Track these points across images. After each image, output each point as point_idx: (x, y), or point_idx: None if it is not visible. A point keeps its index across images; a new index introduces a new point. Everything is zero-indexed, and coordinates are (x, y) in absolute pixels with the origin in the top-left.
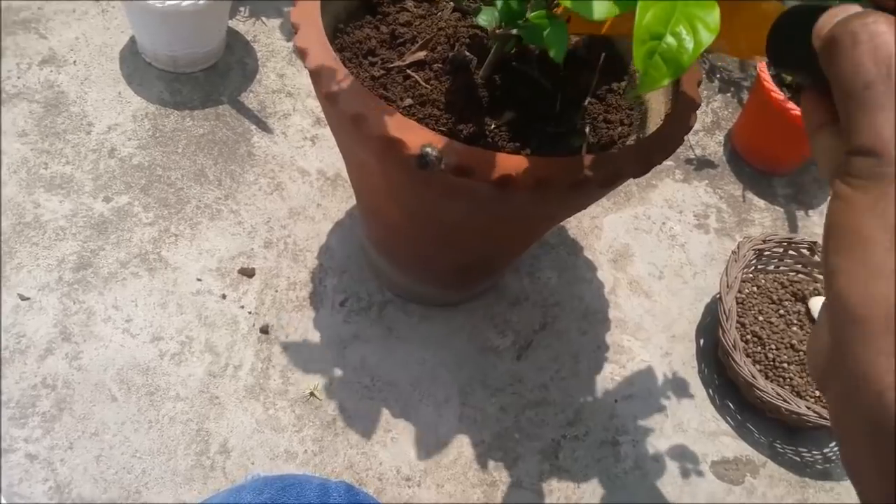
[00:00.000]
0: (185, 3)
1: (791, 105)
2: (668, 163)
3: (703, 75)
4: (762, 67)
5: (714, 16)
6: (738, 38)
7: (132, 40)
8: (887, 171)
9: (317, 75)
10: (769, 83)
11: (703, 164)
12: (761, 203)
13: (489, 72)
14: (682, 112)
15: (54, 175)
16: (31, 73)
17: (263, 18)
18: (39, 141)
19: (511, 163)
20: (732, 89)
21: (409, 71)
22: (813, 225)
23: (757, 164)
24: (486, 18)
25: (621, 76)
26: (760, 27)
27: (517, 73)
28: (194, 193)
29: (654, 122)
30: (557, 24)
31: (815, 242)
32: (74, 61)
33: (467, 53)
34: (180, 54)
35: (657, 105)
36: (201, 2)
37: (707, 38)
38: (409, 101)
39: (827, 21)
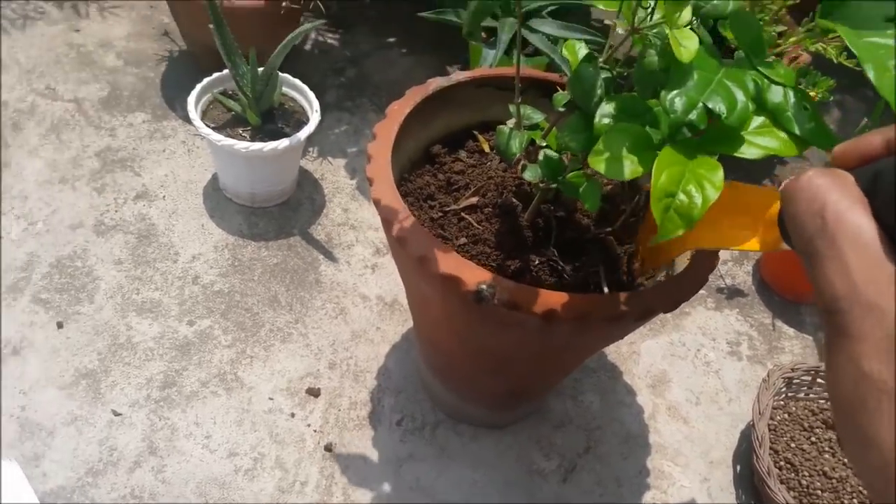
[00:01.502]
0: (266, 149)
1: None
2: (700, 292)
3: None
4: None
5: (719, 176)
6: (766, 234)
7: (214, 177)
8: (848, 325)
9: (388, 222)
10: None
11: (733, 294)
12: (791, 331)
13: (533, 216)
14: (707, 253)
15: (145, 300)
16: (126, 207)
17: (329, 158)
18: (133, 269)
19: (556, 299)
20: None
21: (463, 213)
22: None
23: (785, 294)
24: (531, 174)
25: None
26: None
27: (558, 217)
28: (268, 318)
29: (682, 257)
30: (592, 181)
31: None
32: (164, 196)
33: (514, 200)
34: (259, 192)
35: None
36: (280, 147)
37: (713, 194)
38: (463, 240)
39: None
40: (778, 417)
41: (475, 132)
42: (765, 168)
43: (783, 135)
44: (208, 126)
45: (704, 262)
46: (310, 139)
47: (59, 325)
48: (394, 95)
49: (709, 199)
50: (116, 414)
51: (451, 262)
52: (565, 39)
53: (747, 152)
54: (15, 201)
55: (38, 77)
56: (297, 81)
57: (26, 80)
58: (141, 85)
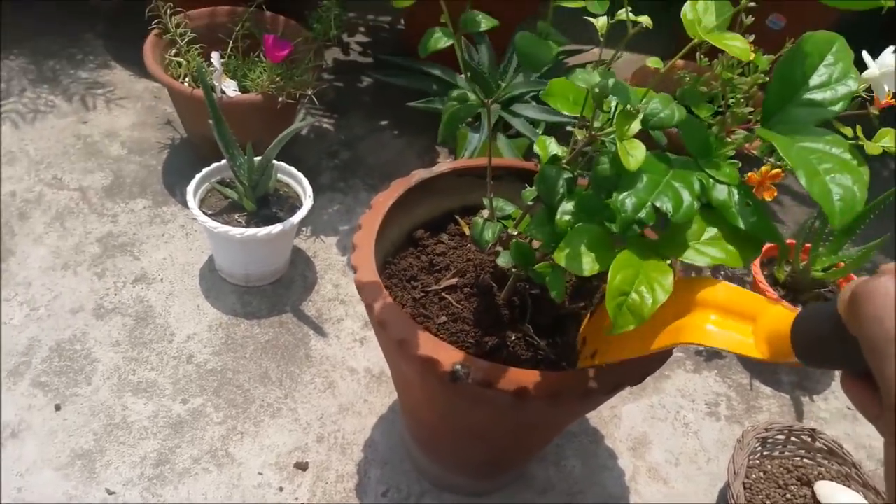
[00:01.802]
0: (260, 234)
1: (786, 304)
2: (679, 354)
3: (708, 273)
4: (756, 269)
5: (669, 279)
6: (772, 345)
7: (210, 259)
8: None
9: (370, 307)
10: (763, 283)
11: (711, 356)
12: (768, 390)
13: (509, 294)
14: None
15: (141, 380)
16: (125, 291)
17: (322, 237)
18: (130, 350)
19: (527, 377)
20: (737, 283)
21: (443, 293)
22: (818, 410)
23: None
24: (503, 260)
25: None
26: (781, 333)
27: (533, 294)
28: (259, 394)
29: None
30: (557, 271)
31: (814, 430)
32: (162, 279)
33: (490, 280)
34: (253, 272)
35: None
36: (274, 232)
37: (662, 296)
38: (443, 319)
39: (848, 287)
40: (753, 476)
41: (456, 216)
42: None
43: (731, 248)
44: (206, 213)
45: None
46: (304, 219)
47: (57, 408)
48: (385, 175)
49: (658, 300)
50: (110, 493)
51: (428, 345)
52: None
53: (696, 259)
54: (19, 288)
55: (45, 167)
56: (292, 168)
57: (35, 170)
58: (143, 172)
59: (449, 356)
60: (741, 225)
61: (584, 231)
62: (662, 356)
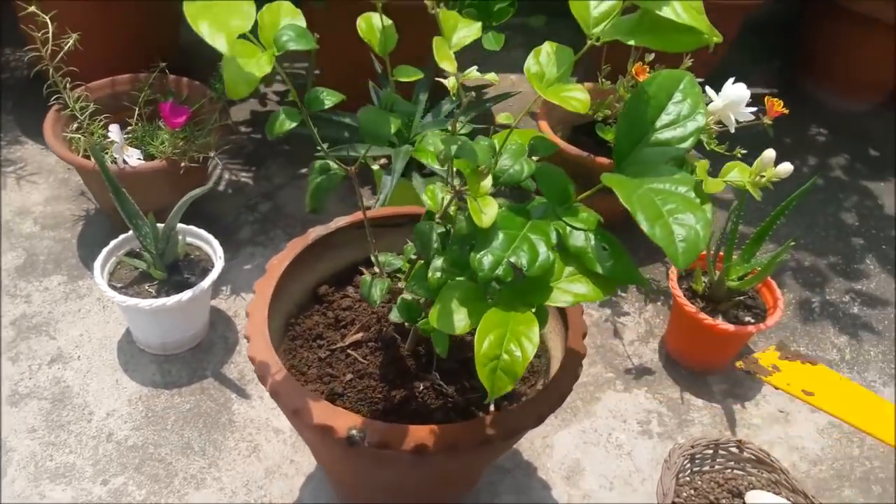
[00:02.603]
0: (170, 303)
1: (703, 316)
2: (608, 374)
3: (631, 287)
4: (673, 284)
5: (535, 331)
6: None
7: (128, 331)
8: None
9: (263, 379)
10: (681, 298)
11: (641, 373)
12: (699, 402)
13: (413, 345)
14: (569, 367)
15: (59, 465)
16: (41, 373)
17: (243, 294)
18: (47, 434)
19: (423, 433)
20: (662, 297)
21: (349, 350)
22: (750, 417)
23: (690, 367)
24: (394, 316)
25: None
26: None
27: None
28: (181, 466)
29: (555, 366)
30: (440, 333)
31: (741, 441)
32: (79, 356)
33: (394, 333)
34: (170, 341)
35: (556, 352)
36: (185, 298)
37: (531, 350)
38: (350, 376)
39: None
40: (684, 494)
41: (361, 268)
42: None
43: (591, 281)
44: (116, 286)
45: (566, 377)
46: (223, 278)
47: None
48: (306, 223)
49: (528, 355)
50: None
51: (322, 412)
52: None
53: (559, 299)
54: None
55: None
56: (201, 231)
57: None
58: (57, 247)
59: (344, 422)
60: (599, 270)
61: (456, 287)
62: (561, 395)
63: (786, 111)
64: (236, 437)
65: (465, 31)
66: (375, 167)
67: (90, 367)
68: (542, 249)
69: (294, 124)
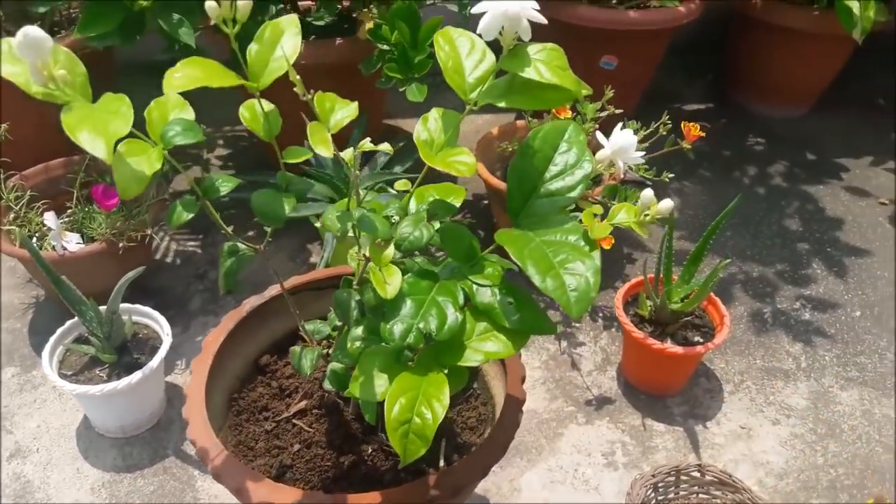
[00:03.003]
0: (121, 386)
1: (651, 341)
2: (569, 408)
3: (585, 316)
4: (620, 312)
5: (445, 392)
6: None
7: (86, 417)
8: None
9: (204, 460)
10: (628, 325)
11: (601, 402)
12: (661, 426)
13: (356, 409)
14: (508, 415)
15: None
16: (1, 470)
17: None
18: None
19: (366, 500)
20: (616, 324)
21: (294, 420)
22: (713, 436)
23: (649, 391)
24: (326, 385)
25: (472, 381)
26: None
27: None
28: None
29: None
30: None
31: (700, 464)
32: (37, 449)
33: (336, 398)
34: (127, 423)
35: (500, 399)
36: (135, 380)
37: (441, 411)
38: (298, 446)
39: None
40: None
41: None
42: (616, 269)
43: (503, 337)
44: (66, 374)
45: (509, 423)
46: (176, 352)
47: None
48: (257, 287)
49: (438, 417)
50: None
51: (261, 491)
52: None
53: (471, 359)
54: None
55: None
56: (147, 308)
57: None
58: (9, 338)
59: (287, 497)
60: (506, 324)
61: (375, 354)
62: (503, 444)
63: (702, 134)
64: None
65: (342, 112)
66: (318, 224)
67: (50, 459)
68: (451, 311)
69: (191, 215)
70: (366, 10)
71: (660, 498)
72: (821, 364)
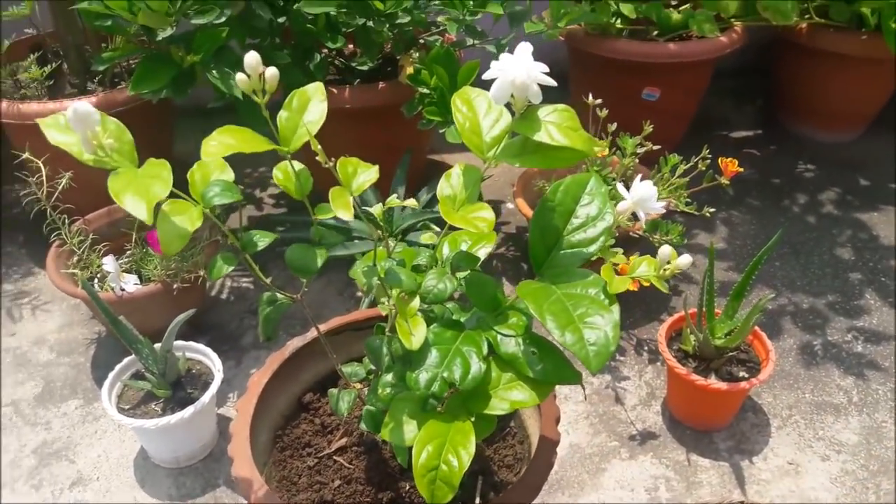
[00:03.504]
0: (174, 420)
1: (695, 377)
2: (612, 443)
3: (630, 350)
4: (663, 347)
5: (471, 441)
6: None
7: (143, 447)
8: None
9: (247, 496)
10: (672, 361)
11: (645, 437)
12: (706, 462)
13: None
14: (542, 457)
15: None
16: (63, 497)
17: None
18: None
19: None
20: (661, 358)
21: (335, 456)
22: (759, 472)
23: (694, 426)
24: (363, 425)
25: (509, 420)
26: None
27: None
28: None
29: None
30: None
31: (744, 501)
32: (98, 477)
33: (375, 437)
34: (180, 454)
35: (535, 437)
36: (187, 414)
37: (467, 459)
38: (338, 482)
39: None
40: None
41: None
42: (662, 303)
43: (528, 387)
44: (124, 408)
45: (542, 464)
46: (229, 385)
47: None
48: (309, 324)
49: (464, 465)
50: None
51: None
52: None
53: (497, 407)
54: None
55: None
56: (201, 346)
57: None
58: (73, 372)
59: None
60: (530, 374)
61: (404, 401)
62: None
63: (740, 169)
64: None
65: (364, 175)
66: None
67: (109, 487)
68: (475, 361)
69: (231, 268)
70: (406, 54)
71: None
72: (874, 398)
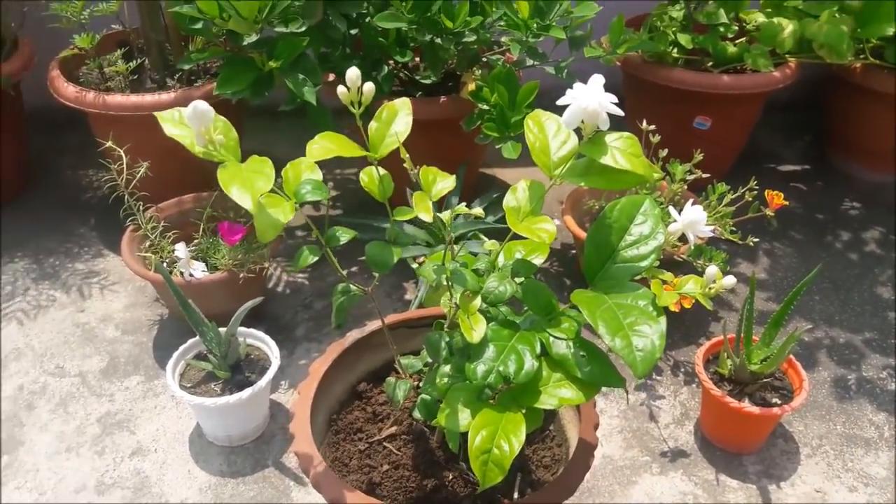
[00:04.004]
0: (232, 400)
1: (729, 399)
2: (644, 458)
3: (666, 370)
4: (699, 369)
5: (522, 430)
6: None
7: (198, 425)
8: None
9: (306, 472)
10: (708, 383)
11: (676, 455)
12: (734, 483)
13: (440, 438)
14: (580, 459)
15: None
16: (123, 465)
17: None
18: None
19: None
20: (696, 381)
21: (385, 443)
22: (786, 497)
23: (725, 448)
24: (416, 414)
25: (549, 423)
26: None
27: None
28: None
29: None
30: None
31: None
32: (155, 449)
33: (424, 427)
34: (234, 433)
35: (573, 441)
36: (245, 395)
37: (517, 446)
38: (386, 467)
39: None
40: None
41: (394, 369)
42: (700, 327)
43: (575, 386)
44: (185, 386)
45: (579, 465)
46: (282, 373)
47: None
48: (357, 319)
49: (514, 450)
50: None
51: (357, 501)
52: None
53: (546, 402)
54: (28, 475)
55: (48, 358)
56: (260, 333)
57: (39, 363)
58: (136, 350)
59: None
60: (579, 375)
61: (460, 390)
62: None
63: (786, 203)
64: None
65: (442, 183)
66: (415, 266)
67: (165, 459)
68: (528, 359)
69: (315, 258)
70: (469, 71)
71: None
72: None
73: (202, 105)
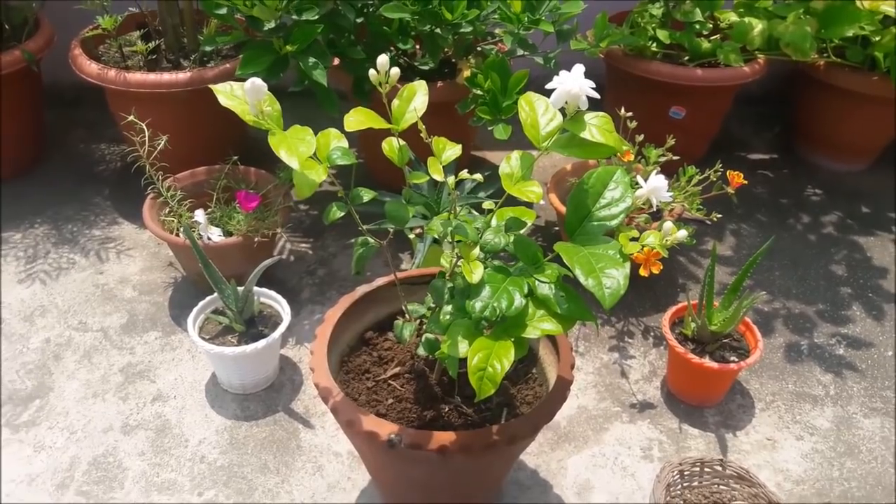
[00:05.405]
0: (248, 350)
1: (692, 356)
2: (615, 409)
3: (637, 334)
4: (666, 329)
5: (511, 353)
6: None
7: (213, 375)
8: None
9: (325, 399)
10: (673, 341)
11: (644, 407)
12: (695, 431)
13: (439, 375)
14: (558, 390)
15: (164, 481)
16: (145, 409)
17: (306, 344)
18: (153, 457)
19: (446, 437)
20: (664, 343)
21: (390, 381)
22: (741, 444)
23: (688, 401)
24: (421, 350)
25: (531, 367)
26: None
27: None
28: (260, 482)
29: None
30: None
31: (722, 459)
32: (175, 396)
33: (424, 366)
34: (248, 382)
35: (552, 382)
36: (259, 346)
37: (507, 364)
38: (391, 401)
39: None
40: None
41: (398, 317)
42: (669, 297)
43: (555, 321)
44: (204, 338)
45: (557, 396)
46: (289, 331)
47: None
48: (358, 284)
49: (505, 368)
50: None
51: (369, 422)
52: None
53: (531, 333)
54: (59, 417)
55: (72, 315)
56: (272, 292)
57: (63, 319)
58: (153, 309)
59: (385, 429)
60: (558, 311)
61: (460, 325)
62: (550, 412)
63: (745, 181)
64: (303, 459)
65: (451, 151)
66: (412, 236)
67: (184, 405)
68: (517, 297)
69: (342, 213)
70: (464, 59)
71: (685, 484)
72: (848, 394)
73: (258, 81)
